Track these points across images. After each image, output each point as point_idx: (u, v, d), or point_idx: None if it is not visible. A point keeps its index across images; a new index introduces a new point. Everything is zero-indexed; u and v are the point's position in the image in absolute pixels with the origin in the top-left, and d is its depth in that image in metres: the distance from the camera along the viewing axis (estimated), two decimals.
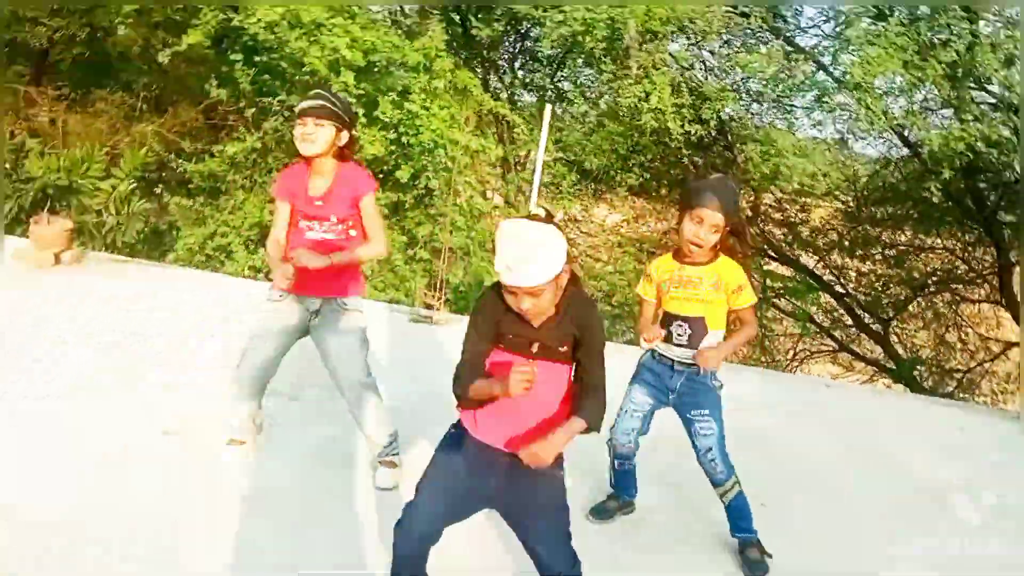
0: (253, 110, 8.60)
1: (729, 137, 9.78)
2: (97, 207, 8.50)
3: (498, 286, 2.24)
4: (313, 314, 3.31)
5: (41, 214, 6.34)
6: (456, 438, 2.37)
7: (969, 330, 11.52)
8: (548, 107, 6.17)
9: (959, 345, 11.52)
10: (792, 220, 11.15)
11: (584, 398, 2.25)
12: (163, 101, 11.30)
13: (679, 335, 3.04)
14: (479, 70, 9.99)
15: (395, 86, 8.07)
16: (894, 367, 10.65)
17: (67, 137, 10.09)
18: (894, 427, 5.20)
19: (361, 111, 7.62)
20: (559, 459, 2.30)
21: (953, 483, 4.22)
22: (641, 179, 9.56)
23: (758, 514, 3.18)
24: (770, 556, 3.12)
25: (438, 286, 8.18)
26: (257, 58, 7.78)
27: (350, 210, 3.21)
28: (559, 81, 10.90)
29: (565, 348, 2.27)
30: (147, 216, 9.17)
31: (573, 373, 2.33)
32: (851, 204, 10.63)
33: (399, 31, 8.72)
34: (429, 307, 7.54)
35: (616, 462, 3.32)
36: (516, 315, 2.23)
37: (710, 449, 3.05)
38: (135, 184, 8.89)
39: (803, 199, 10.70)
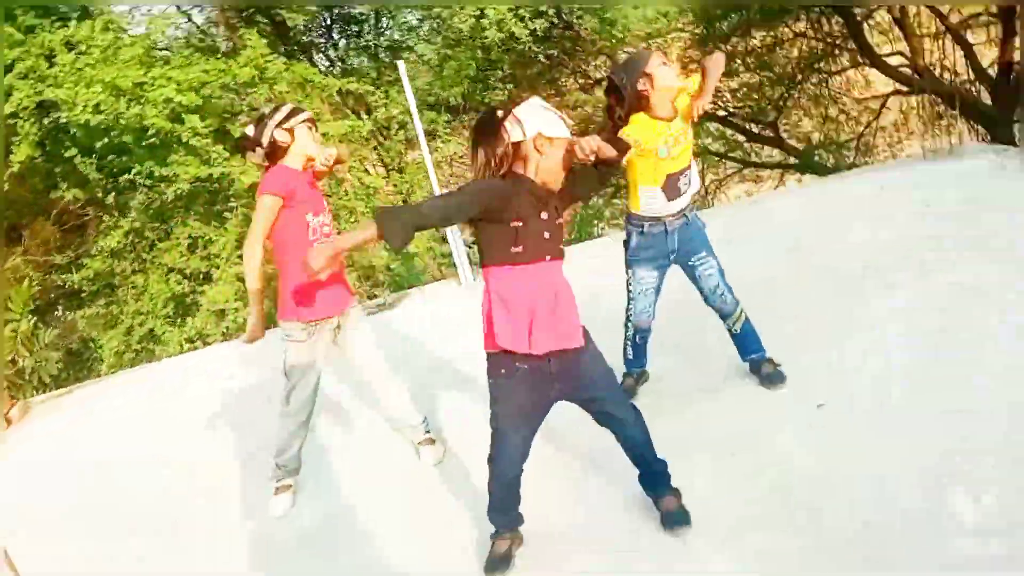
0: (112, 194, 8.27)
1: (564, 16, 9.83)
2: (9, 356, 8.13)
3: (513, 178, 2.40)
4: (335, 331, 3.37)
5: None
6: (505, 366, 2.46)
7: (846, 99, 12.01)
8: (401, 63, 6.13)
9: (843, 117, 12.01)
10: None
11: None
12: (16, 228, 10.73)
13: (684, 186, 3.21)
14: (304, 57, 9.73)
15: (239, 107, 7.84)
16: (796, 161, 11.11)
17: None
18: (820, 210, 5.52)
19: (220, 147, 7.41)
20: (588, 335, 2.53)
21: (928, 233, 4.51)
22: (505, 90, 9.59)
23: None
24: (779, 365, 3.39)
25: (370, 274, 8.19)
26: (95, 143, 7.43)
27: None
28: (384, 31, 10.73)
29: (563, 222, 2.50)
30: (59, 342, 8.82)
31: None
32: (698, 30, 10.83)
33: (217, 55, 8.43)
34: (372, 297, 7.56)
35: (637, 337, 3.49)
36: (531, 194, 2.38)
37: (717, 286, 3.27)
38: (34, 319, 8.52)
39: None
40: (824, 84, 11.86)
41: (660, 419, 2.86)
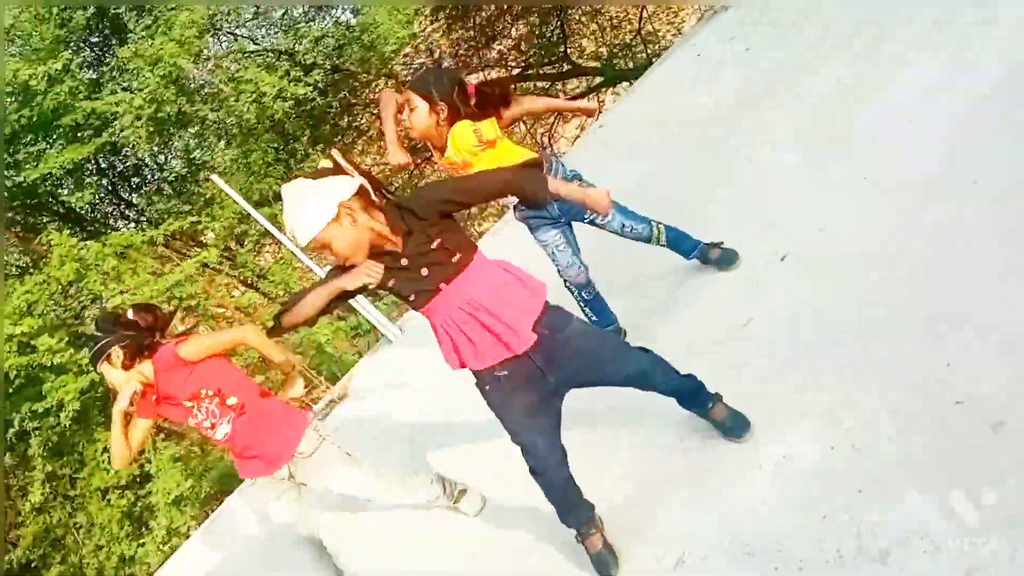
0: (8, 455, 7.71)
1: (331, 62, 9.77)
2: None
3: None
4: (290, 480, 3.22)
5: None
6: (487, 380, 2.37)
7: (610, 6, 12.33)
8: (215, 176, 5.96)
9: (614, 20, 12.32)
10: None
11: (514, 184, 2.29)
12: None
13: None
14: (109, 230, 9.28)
15: (79, 305, 7.45)
16: (602, 78, 11.41)
17: None
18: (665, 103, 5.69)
19: (85, 350, 6.99)
20: (564, 312, 2.41)
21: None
22: (318, 153, 9.43)
23: None
24: (721, 243, 3.42)
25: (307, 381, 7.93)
26: None
27: None
28: (163, 168, 10.30)
29: (439, 241, 2.24)
30: None
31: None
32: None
33: (29, 272, 7.95)
34: (312, 401, 7.31)
35: (583, 294, 3.45)
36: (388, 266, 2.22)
37: (622, 225, 3.24)
38: None
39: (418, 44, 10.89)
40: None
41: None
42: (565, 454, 2.51)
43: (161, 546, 7.35)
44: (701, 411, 2.66)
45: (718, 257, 3.42)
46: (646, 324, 3.44)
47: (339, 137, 10.03)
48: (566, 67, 11.57)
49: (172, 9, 6.97)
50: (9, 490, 8.40)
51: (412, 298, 2.27)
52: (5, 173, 8.17)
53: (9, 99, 7.61)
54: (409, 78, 10.59)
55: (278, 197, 9.71)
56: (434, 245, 2.23)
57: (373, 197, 2.19)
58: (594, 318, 3.48)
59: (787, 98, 4.19)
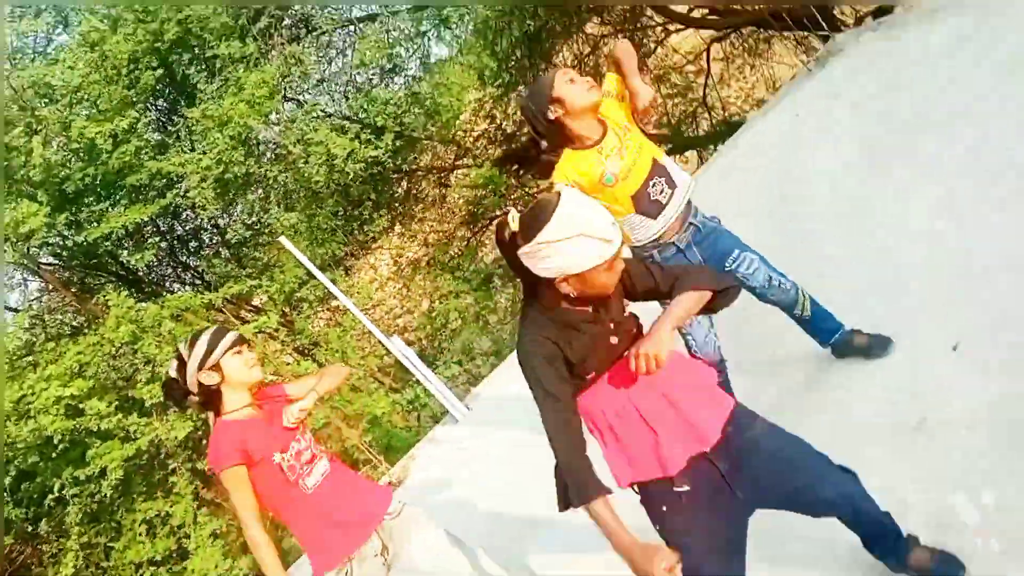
0: (43, 522, 7.38)
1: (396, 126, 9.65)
2: None
3: (539, 318, 1.86)
4: (383, 554, 2.71)
5: None
6: (663, 499, 1.88)
7: (676, 70, 12.12)
8: (282, 239, 5.67)
9: (678, 87, 12.09)
10: None
11: (678, 285, 1.90)
12: None
13: (660, 192, 2.71)
14: (166, 292, 9.10)
15: (131, 367, 7.20)
16: (670, 145, 11.06)
17: None
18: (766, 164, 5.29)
19: (134, 416, 6.72)
20: (748, 410, 1.95)
21: None
22: (378, 218, 9.26)
23: None
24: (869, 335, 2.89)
25: (361, 463, 7.52)
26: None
27: None
28: (224, 232, 10.17)
29: (630, 316, 1.93)
30: None
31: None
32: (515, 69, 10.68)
33: (83, 332, 7.74)
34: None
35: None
36: (576, 321, 1.85)
37: (769, 278, 2.78)
38: None
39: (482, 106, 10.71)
40: (644, 65, 12.00)
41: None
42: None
43: None
44: (896, 564, 2.07)
45: (866, 344, 2.87)
46: (782, 416, 2.91)
47: (400, 204, 9.84)
48: None
49: (244, 69, 6.85)
50: (41, 557, 8.05)
51: (588, 373, 1.86)
52: (65, 233, 8.07)
53: (74, 157, 7.54)
54: (471, 144, 10.44)
55: (339, 262, 9.58)
56: (627, 313, 1.94)
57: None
58: None
59: (917, 160, 3.74)
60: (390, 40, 7.46)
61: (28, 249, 7.36)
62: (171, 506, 7.29)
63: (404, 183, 10.53)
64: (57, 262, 8.71)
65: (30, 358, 7.89)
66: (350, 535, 2.61)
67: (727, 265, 2.75)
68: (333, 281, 8.82)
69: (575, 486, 1.76)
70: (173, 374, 2.57)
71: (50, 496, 6.85)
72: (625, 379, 1.85)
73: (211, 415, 2.59)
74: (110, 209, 7.99)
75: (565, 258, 1.74)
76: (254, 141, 7.10)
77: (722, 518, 1.86)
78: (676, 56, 12.09)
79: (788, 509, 1.93)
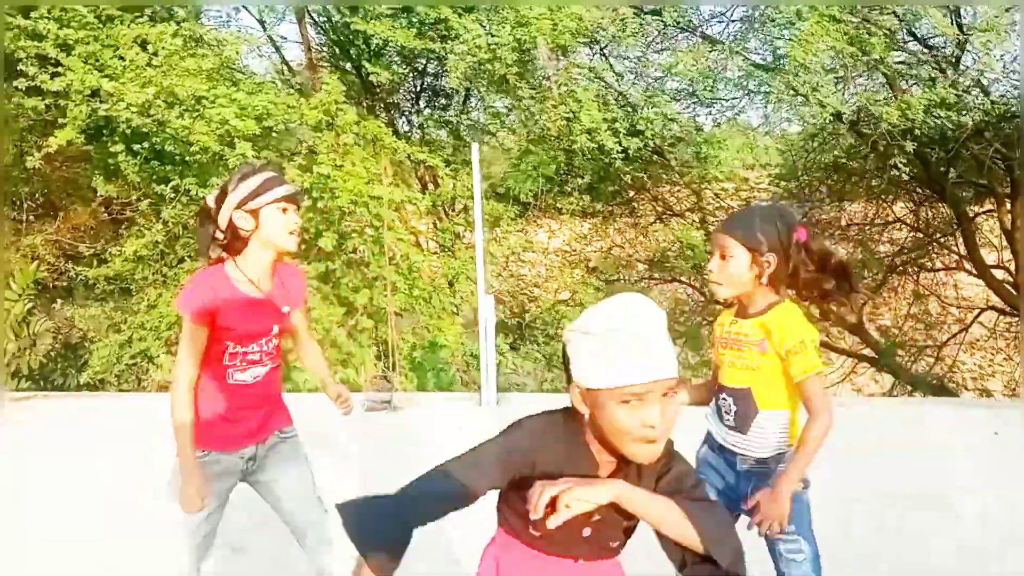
0: (148, 201, 7.85)
1: (657, 142, 9.34)
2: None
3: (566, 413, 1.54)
4: (248, 461, 2.52)
5: None
6: None
7: (940, 301, 11.20)
8: (475, 145, 5.58)
9: (931, 318, 11.17)
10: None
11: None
12: (50, 207, 10.42)
13: (726, 413, 2.32)
14: (384, 116, 9.32)
15: (299, 149, 7.40)
16: (874, 355, 10.20)
17: None
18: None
19: None
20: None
21: None
22: (581, 200, 9.07)
23: None
24: None
25: (389, 354, 7.51)
26: (137, 145, 7.01)
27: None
28: (469, 112, 10.31)
29: (627, 524, 1.56)
30: (54, 333, 8.32)
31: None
32: (794, 188, 10.21)
33: (290, 90, 8.05)
34: (379, 388, 6.81)
35: None
36: (583, 457, 1.51)
37: (782, 554, 2.27)
38: (31, 303, 8.03)
39: (744, 192, 10.29)
40: (914, 278, 11.07)
41: None
42: None
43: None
44: None
45: None
46: None
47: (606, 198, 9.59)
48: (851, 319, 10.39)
49: None
50: (124, 221, 8.56)
51: (537, 533, 1.56)
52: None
53: None
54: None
55: (519, 203, 9.56)
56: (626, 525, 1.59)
57: None
58: None
59: None
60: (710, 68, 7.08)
61: None
62: None
63: (629, 192, 10.29)
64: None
65: (239, 75, 8.32)
66: (231, 434, 2.44)
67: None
68: (497, 213, 8.82)
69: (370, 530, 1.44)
70: (211, 202, 2.36)
71: (164, 186, 7.31)
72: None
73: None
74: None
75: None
76: (532, 56, 6.99)
77: None
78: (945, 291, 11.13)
79: None
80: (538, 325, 9.90)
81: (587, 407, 1.43)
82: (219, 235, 2.34)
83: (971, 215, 9.56)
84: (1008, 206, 9.52)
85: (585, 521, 1.50)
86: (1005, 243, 10.20)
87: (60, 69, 6.53)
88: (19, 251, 9.26)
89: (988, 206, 10.23)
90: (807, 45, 5.62)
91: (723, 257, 2.23)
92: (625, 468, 1.49)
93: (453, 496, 1.46)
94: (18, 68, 6.99)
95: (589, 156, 7.81)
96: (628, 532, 1.59)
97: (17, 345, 8.05)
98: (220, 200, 2.33)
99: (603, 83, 7.46)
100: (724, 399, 2.31)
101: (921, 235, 10.41)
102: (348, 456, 4.53)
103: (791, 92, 6.49)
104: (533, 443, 1.50)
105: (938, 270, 10.85)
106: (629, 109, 7.03)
